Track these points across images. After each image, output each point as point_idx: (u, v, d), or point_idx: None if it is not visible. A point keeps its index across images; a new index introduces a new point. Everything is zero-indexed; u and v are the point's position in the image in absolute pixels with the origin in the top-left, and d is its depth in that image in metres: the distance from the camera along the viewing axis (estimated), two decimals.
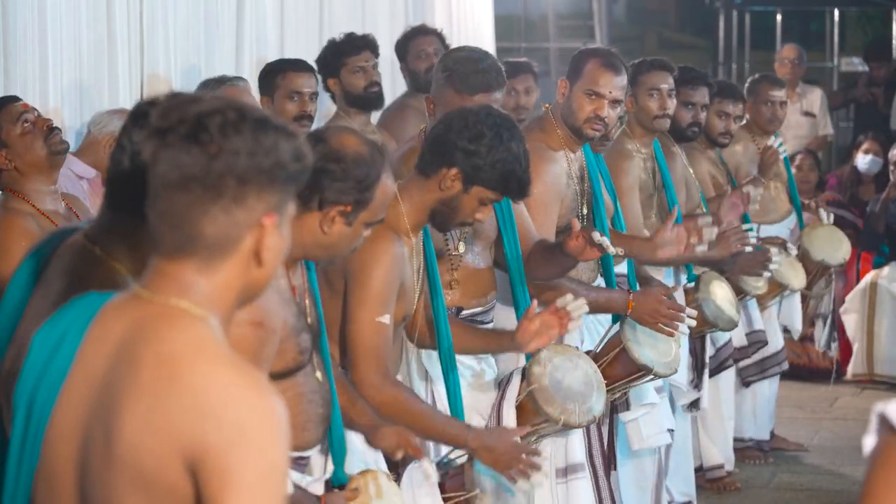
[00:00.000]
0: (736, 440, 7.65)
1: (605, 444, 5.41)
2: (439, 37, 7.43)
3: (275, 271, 2.36)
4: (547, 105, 5.55)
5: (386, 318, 3.99)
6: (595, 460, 5.24)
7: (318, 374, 3.60)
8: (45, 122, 4.85)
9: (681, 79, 6.63)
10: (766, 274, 6.88)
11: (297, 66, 6.40)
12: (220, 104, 2.30)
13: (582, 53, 5.49)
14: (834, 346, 8.80)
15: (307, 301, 3.64)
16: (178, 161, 2.25)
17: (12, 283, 3.08)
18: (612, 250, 4.60)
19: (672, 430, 6.19)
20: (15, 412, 2.47)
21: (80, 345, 2.37)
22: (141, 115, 2.95)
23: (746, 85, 8.01)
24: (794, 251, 7.52)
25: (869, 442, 2.22)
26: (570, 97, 5.35)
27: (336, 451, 3.76)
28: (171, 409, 2.19)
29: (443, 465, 4.18)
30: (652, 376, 5.35)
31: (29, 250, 3.23)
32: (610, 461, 5.45)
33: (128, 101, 6.40)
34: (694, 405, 6.80)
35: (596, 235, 4.57)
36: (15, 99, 4.94)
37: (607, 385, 5.25)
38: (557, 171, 5.24)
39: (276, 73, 6.31)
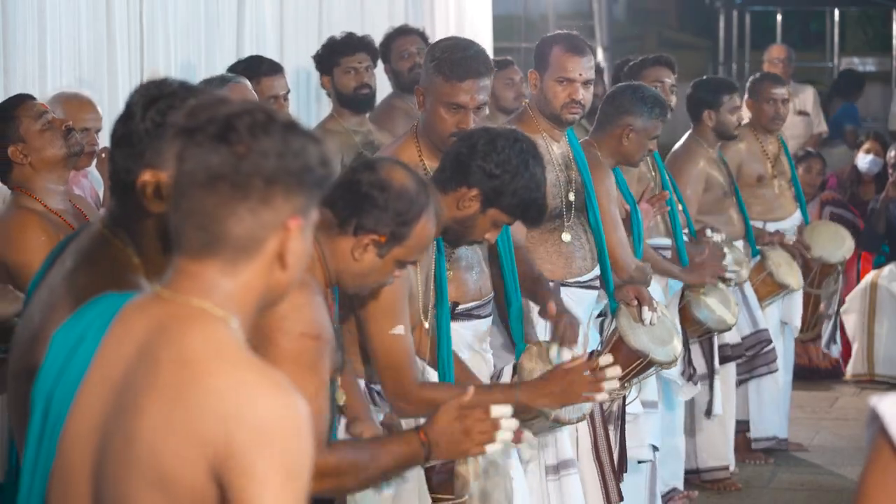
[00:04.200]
0: (761, 440, 7.66)
1: (617, 445, 5.43)
2: (422, 36, 7.43)
3: (297, 276, 2.36)
4: (525, 100, 5.61)
5: (400, 329, 3.98)
6: (602, 457, 5.26)
7: (339, 395, 3.61)
8: (63, 122, 4.87)
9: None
10: (730, 276, 6.83)
11: (271, 69, 6.38)
12: (249, 106, 2.31)
13: (544, 42, 5.56)
14: (835, 347, 8.81)
15: (333, 323, 3.64)
16: (207, 160, 2.25)
17: (37, 275, 3.09)
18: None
19: (657, 449, 6.17)
20: (33, 410, 2.46)
21: (99, 344, 2.36)
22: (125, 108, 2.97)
23: (748, 84, 8.05)
24: (718, 236, 7.34)
25: (866, 438, 2.23)
26: (542, 88, 5.46)
27: None
28: (192, 411, 2.19)
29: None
30: (655, 366, 5.37)
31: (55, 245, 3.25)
32: (622, 463, 5.46)
33: None
34: (708, 410, 6.86)
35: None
36: (31, 97, 4.94)
37: None
38: None
39: (250, 79, 6.27)
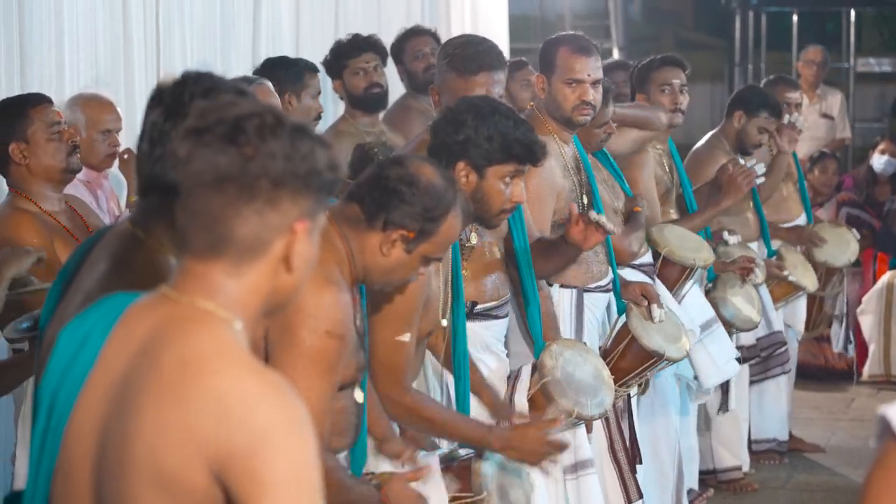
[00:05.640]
0: (759, 441, 7.65)
1: (628, 438, 5.44)
2: (434, 36, 7.43)
3: (303, 280, 2.35)
4: (531, 103, 5.58)
5: (406, 337, 3.99)
6: (618, 455, 5.27)
7: (358, 394, 3.63)
8: (71, 137, 4.86)
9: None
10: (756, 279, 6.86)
11: (315, 66, 6.41)
12: (259, 108, 2.31)
13: (549, 45, 5.50)
14: (850, 347, 8.79)
15: (359, 321, 3.65)
16: (214, 161, 2.26)
17: (61, 273, 3.09)
18: (610, 227, 4.63)
19: (738, 358, 6.43)
20: (38, 409, 2.48)
21: (104, 343, 2.37)
22: (156, 97, 2.95)
23: (761, 85, 8.00)
24: (734, 238, 7.35)
25: (873, 444, 2.23)
26: (550, 91, 5.39)
27: (357, 456, 3.79)
28: (192, 411, 2.19)
29: (447, 459, 4.18)
30: (665, 362, 5.39)
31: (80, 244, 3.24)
32: (635, 456, 5.47)
33: (144, 102, 6.37)
34: (724, 406, 6.86)
35: (593, 214, 4.62)
36: (50, 101, 4.93)
37: (623, 378, 5.31)
38: (551, 164, 5.27)
39: (304, 72, 6.30)
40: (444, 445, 4.31)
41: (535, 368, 4.72)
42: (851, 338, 8.81)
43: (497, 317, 4.74)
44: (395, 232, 3.55)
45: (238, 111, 2.29)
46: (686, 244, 6.21)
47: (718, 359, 6.09)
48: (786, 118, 7.24)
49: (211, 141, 2.26)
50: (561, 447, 4.19)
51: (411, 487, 3.63)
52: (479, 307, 4.68)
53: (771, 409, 7.79)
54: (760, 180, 6.65)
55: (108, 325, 2.38)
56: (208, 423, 2.17)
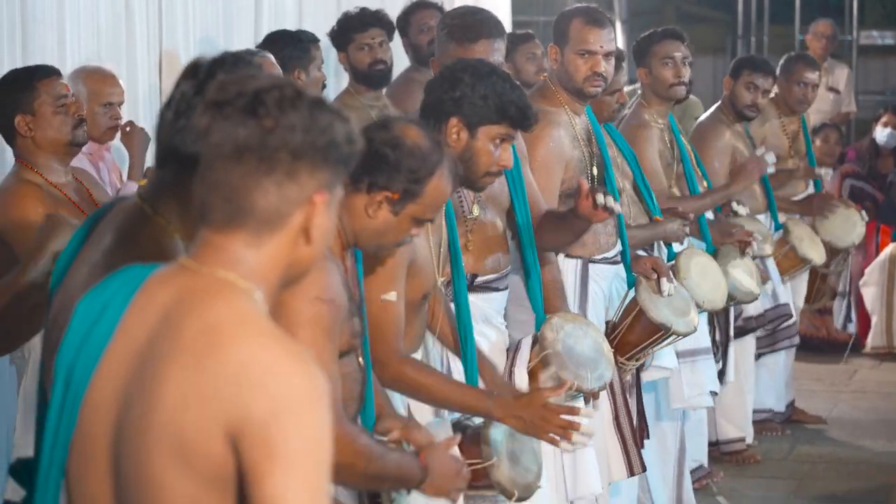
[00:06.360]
0: (755, 411, 7.67)
1: (635, 413, 5.45)
2: (440, 9, 7.42)
3: (321, 251, 2.37)
4: (544, 74, 5.61)
5: (392, 296, 3.97)
6: (623, 428, 5.28)
7: (360, 359, 3.63)
8: (77, 110, 4.86)
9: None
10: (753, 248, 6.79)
11: (316, 37, 6.44)
12: (278, 81, 2.33)
13: (563, 16, 5.54)
14: (850, 325, 8.79)
15: (353, 287, 3.65)
16: (234, 133, 2.28)
17: (68, 246, 3.09)
18: (616, 209, 4.61)
19: (716, 394, 6.31)
20: (55, 380, 2.47)
21: (122, 314, 2.37)
22: (191, 70, 2.95)
23: (781, 62, 8.01)
24: (742, 209, 7.31)
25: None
26: (563, 62, 5.43)
27: (367, 420, 3.77)
28: (213, 380, 2.19)
29: (457, 427, 4.18)
30: (673, 335, 5.39)
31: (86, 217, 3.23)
32: (642, 430, 5.49)
33: (146, 75, 6.41)
34: (719, 378, 6.85)
35: (600, 197, 4.56)
36: (58, 73, 4.93)
37: (630, 351, 5.32)
38: (560, 134, 5.30)
39: (310, 45, 6.31)
40: (446, 414, 4.31)
41: (535, 341, 4.73)
42: (852, 316, 8.80)
43: (497, 289, 4.75)
44: (379, 194, 3.57)
45: (258, 84, 2.31)
46: (704, 283, 6.09)
47: (689, 390, 6.06)
48: (758, 150, 7.20)
49: (231, 113, 2.28)
50: (570, 419, 4.11)
51: (452, 455, 3.59)
52: (480, 279, 4.68)
53: (767, 379, 7.82)
54: (771, 169, 6.68)
55: (127, 295, 2.39)
56: (229, 390, 2.18)
